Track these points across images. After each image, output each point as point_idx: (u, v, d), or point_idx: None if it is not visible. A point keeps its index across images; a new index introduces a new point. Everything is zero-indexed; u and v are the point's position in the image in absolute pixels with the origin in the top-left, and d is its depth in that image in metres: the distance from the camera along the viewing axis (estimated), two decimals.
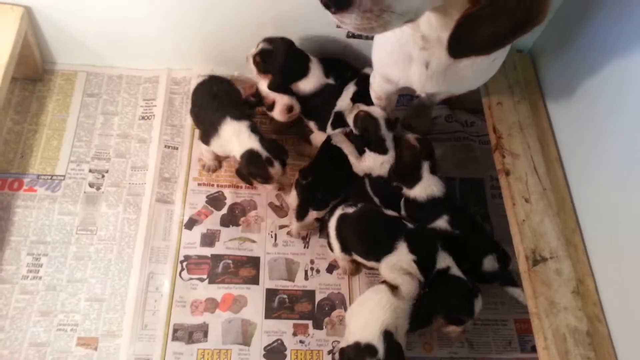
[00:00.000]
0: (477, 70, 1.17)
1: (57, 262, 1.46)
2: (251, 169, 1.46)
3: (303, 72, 1.59)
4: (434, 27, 0.98)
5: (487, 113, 1.56)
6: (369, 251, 1.40)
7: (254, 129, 1.49)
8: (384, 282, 1.35)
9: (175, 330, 1.40)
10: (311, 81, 1.60)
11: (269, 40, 1.56)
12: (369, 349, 1.25)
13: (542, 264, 1.32)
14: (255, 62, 1.56)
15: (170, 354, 1.37)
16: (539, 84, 1.61)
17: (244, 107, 1.65)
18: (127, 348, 1.36)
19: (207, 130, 1.54)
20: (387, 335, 1.26)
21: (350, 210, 1.43)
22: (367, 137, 1.46)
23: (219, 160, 1.66)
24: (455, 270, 1.35)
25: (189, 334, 1.40)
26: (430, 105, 1.71)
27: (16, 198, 1.53)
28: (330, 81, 1.62)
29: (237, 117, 1.50)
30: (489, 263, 1.44)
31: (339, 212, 1.45)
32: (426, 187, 1.44)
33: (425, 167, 1.45)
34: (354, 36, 1.64)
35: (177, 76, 1.79)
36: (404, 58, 1.17)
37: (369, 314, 1.29)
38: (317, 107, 1.63)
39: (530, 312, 1.29)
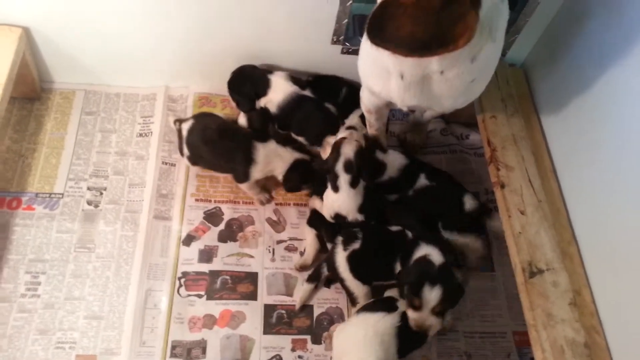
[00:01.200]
0: (453, 87, 1.14)
1: (55, 280, 1.46)
2: (305, 176, 1.56)
3: (263, 88, 1.62)
4: None
5: (481, 126, 1.58)
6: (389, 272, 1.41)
7: (281, 142, 1.60)
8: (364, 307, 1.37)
9: (173, 347, 1.40)
10: (277, 93, 1.61)
11: (234, 71, 1.65)
12: None
13: (539, 276, 1.32)
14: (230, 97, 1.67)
15: None
16: (532, 97, 1.63)
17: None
18: None
19: (237, 167, 1.57)
20: None
21: (356, 245, 1.41)
22: (326, 164, 1.49)
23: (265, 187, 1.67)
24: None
25: (188, 351, 1.40)
26: (424, 122, 1.73)
27: (15, 216, 1.53)
28: (307, 93, 1.63)
29: (263, 139, 1.58)
30: (469, 201, 1.55)
31: (343, 253, 1.42)
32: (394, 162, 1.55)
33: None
34: (348, 52, 1.66)
35: (174, 94, 1.81)
36: (383, 69, 1.17)
37: (357, 353, 1.28)
38: (299, 120, 1.63)
39: (527, 324, 1.29)
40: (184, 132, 1.60)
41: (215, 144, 1.57)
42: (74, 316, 1.42)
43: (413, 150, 1.77)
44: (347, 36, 1.61)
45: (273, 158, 1.56)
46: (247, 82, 1.63)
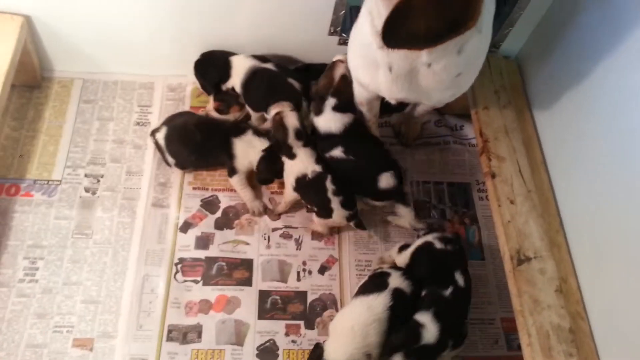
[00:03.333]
0: (439, 80, 1.16)
1: (54, 266, 1.48)
2: (276, 166, 1.56)
3: (226, 72, 1.64)
4: (383, 17, 0.97)
5: (473, 118, 1.60)
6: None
7: (258, 133, 1.61)
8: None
9: (170, 331, 1.43)
10: (238, 73, 1.62)
11: (200, 56, 1.67)
12: None
13: (527, 264, 1.36)
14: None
15: (165, 354, 1.40)
16: (525, 90, 1.66)
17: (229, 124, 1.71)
18: (122, 348, 1.39)
19: (224, 162, 1.61)
20: None
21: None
22: (278, 142, 1.52)
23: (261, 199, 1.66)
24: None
25: (184, 335, 1.43)
26: (417, 117, 1.75)
27: (13, 203, 1.56)
28: (268, 66, 1.63)
29: (237, 132, 1.60)
30: (385, 180, 1.52)
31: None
32: (327, 121, 1.54)
33: (329, 102, 1.52)
34: (345, 43, 1.68)
35: (172, 82, 1.83)
36: (372, 62, 1.18)
37: (345, 334, 1.30)
38: (251, 89, 1.62)
39: (515, 310, 1.33)
40: (161, 142, 1.60)
41: (197, 144, 1.59)
42: (72, 301, 1.44)
43: (407, 141, 1.80)
44: (344, 27, 1.63)
45: (249, 150, 1.58)
46: (211, 66, 1.65)
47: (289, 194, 1.56)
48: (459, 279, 1.37)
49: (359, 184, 1.54)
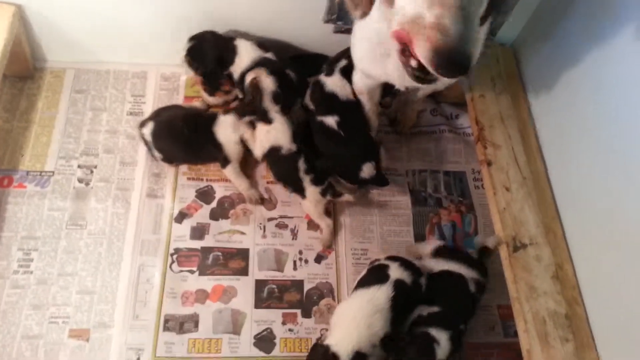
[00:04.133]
0: None
1: (48, 257, 1.47)
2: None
3: (231, 56, 1.61)
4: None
5: (469, 105, 1.60)
6: None
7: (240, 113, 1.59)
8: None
9: (166, 321, 1.43)
10: (243, 60, 1.60)
11: (192, 37, 1.61)
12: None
13: (522, 250, 1.36)
14: (188, 63, 1.61)
15: (161, 344, 1.40)
16: (520, 77, 1.65)
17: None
18: (119, 339, 1.39)
19: (216, 155, 1.59)
20: (358, 357, 1.27)
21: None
22: (253, 105, 1.53)
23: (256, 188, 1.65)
24: None
25: (180, 324, 1.43)
26: (415, 100, 1.75)
27: (6, 195, 1.54)
28: (269, 56, 1.62)
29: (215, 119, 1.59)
30: (367, 170, 1.53)
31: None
32: (334, 84, 1.56)
33: (340, 64, 1.56)
34: (341, 32, 1.67)
35: (166, 72, 1.81)
36: (382, 54, 1.19)
37: (348, 324, 1.30)
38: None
39: (511, 297, 1.34)
40: (148, 138, 1.59)
41: (186, 139, 1.57)
42: (67, 291, 1.44)
43: (403, 129, 1.79)
44: (340, 15, 1.62)
45: (227, 131, 1.56)
46: (213, 49, 1.60)
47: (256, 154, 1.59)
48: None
49: (342, 168, 1.57)
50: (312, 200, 1.54)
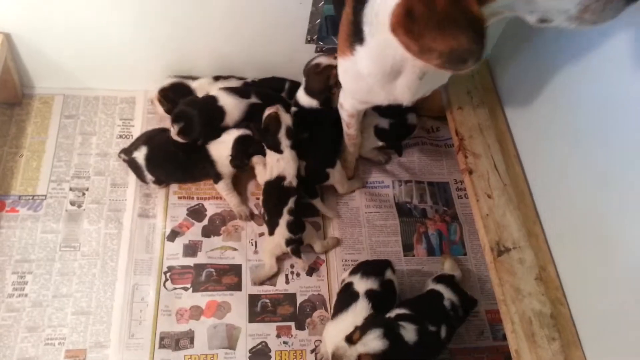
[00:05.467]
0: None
1: (42, 279, 1.49)
2: (249, 149, 1.61)
3: (220, 117, 1.63)
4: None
5: (449, 117, 1.67)
6: None
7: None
8: None
9: (162, 338, 1.44)
10: (232, 115, 1.64)
11: (178, 117, 1.58)
12: None
13: (506, 254, 1.41)
14: (183, 139, 1.60)
15: None
16: (496, 89, 1.72)
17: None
18: (115, 358, 1.40)
19: (208, 171, 1.63)
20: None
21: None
22: (267, 135, 1.59)
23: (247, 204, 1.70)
24: None
25: (176, 341, 1.44)
26: None
27: None
28: (254, 100, 1.67)
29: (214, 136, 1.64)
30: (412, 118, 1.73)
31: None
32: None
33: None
34: (322, 51, 1.74)
35: (153, 96, 1.85)
36: (390, 79, 1.21)
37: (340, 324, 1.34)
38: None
39: (497, 299, 1.38)
40: (141, 161, 1.61)
41: (181, 160, 1.62)
42: (63, 313, 1.45)
43: None
44: (321, 35, 1.69)
45: (220, 147, 1.61)
46: (202, 122, 1.59)
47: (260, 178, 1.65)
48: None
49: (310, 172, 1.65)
50: (275, 241, 1.56)
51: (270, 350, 1.47)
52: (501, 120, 1.64)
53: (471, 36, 0.87)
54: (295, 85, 1.75)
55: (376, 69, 1.20)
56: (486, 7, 0.91)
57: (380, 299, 1.39)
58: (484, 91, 1.70)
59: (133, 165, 1.64)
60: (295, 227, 1.55)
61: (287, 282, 1.58)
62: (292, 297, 1.56)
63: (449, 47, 0.88)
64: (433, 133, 1.93)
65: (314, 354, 1.48)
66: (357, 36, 1.16)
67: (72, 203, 1.62)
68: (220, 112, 1.63)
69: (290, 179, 1.58)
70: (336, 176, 1.68)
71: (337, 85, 1.50)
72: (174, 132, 1.58)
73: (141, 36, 1.65)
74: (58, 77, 1.78)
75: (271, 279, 1.58)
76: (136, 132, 1.78)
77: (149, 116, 1.82)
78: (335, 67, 1.48)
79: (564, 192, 1.39)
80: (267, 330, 1.50)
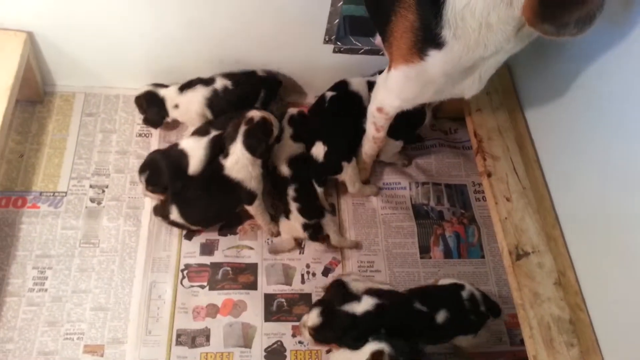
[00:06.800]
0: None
1: (62, 275, 1.51)
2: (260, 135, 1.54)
3: (185, 162, 1.57)
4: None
5: (467, 119, 1.65)
6: None
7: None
8: None
9: (178, 335, 1.46)
10: (195, 157, 1.58)
11: (142, 168, 1.58)
12: None
13: (525, 258, 1.40)
14: (151, 192, 1.59)
15: (174, 358, 1.42)
16: (516, 91, 1.71)
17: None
18: (132, 354, 1.42)
19: (240, 194, 1.56)
20: None
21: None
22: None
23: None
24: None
25: (192, 339, 1.45)
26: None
27: (20, 215, 1.58)
28: (214, 133, 1.60)
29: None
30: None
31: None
32: None
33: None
34: (340, 51, 1.73)
35: None
36: (465, 76, 1.26)
37: None
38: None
39: (515, 303, 1.36)
40: (179, 220, 1.55)
41: (208, 197, 1.55)
42: (81, 308, 1.47)
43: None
44: (339, 36, 1.69)
45: (239, 159, 1.52)
46: (166, 170, 1.56)
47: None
48: None
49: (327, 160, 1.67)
50: (290, 224, 1.59)
51: (285, 350, 1.47)
52: (521, 123, 1.62)
53: None
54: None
55: (454, 69, 1.22)
56: None
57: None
58: (504, 93, 1.68)
59: (175, 225, 1.59)
60: (308, 213, 1.56)
61: (302, 282, 1.58)
62: (307, 297, 1.56)
63: (583, 13, 0.98)
64: (451, 135, 1.91)
65: (329, 354, 1.47)
66: (431, 42, 1.17)
67: (92, 200, 1.64)
68: (184, 157, 1.57)
69: (282, 167, 1.60)
70: (349, 172, 1.66)
71: None
72: (142, 187, 1.58)
73: (161, 35, 1.67)
74: (79, 76, 1.81)
75: (289, 251, 1.63)
76: (155, 131, 1.79)
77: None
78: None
79: (584, 196, 1.37)
80: (282, 330, 1.50)
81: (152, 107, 1.72)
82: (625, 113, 1.22)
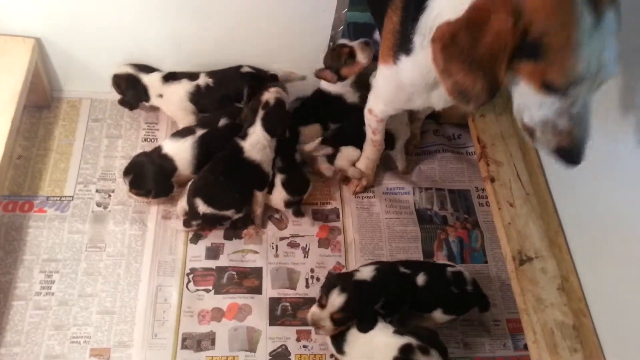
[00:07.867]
0: None
1: (69, 278, 1.52)
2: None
3: (171, 167, 1.62)
4: None
5: (471, 125, 1.67)
6: None
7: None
8: None
9: (184, 339, 1.46)
10: (184, 165, 1.63)
11: (126, 171, 1.61)
12: None
13: (528, 264, 1.41)
14: (136, 195, 1.63)
15: None
16: None
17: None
18: (138, 357, 1.42)
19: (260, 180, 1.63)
20: None
21: None
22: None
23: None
24: None
25: (197, 342, 1.46)
26: (420, 118, 1.82)
27: (27, 219, 1.60)
28: (200, 132, 1.64)
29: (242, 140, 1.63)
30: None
31: None
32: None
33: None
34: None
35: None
36: (431, 89, 1.24)
37: None
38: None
39: (519, 308, 1.38)
40: (205, 209, 1.55)
41: (228, 182, 1.58)
42: (88, 312, 1.48)
43: (409, 149, 1.85)
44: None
45: (258, 144, 1.59)
46: (151, 173, 1.60)
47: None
48: None
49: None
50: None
51: (290, 354, 1.48)
52: None
53: (486, 88, 0.97)
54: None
55: (420, 79, 1.21)
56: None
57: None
58: (507, 100, 1.68)
59: (206, 219, 1.60)
60: (290, 188, 1.63)
61: (307, 286, 1.59)
62: (312, 301, 1.55)
63: (465, 83, 0.97)
64: (454, 140, 1.92)
65: (333, 359, 1.48)
66: (403, 46, 1.17)
67: (98, 204, 1.66)
68: (170, 161, 1.61)
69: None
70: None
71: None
72: (126, 189, 1.61)
73: (167, 43, 1.69)
74: (86, 81, 1.83)
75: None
76: (161, 136, 1.81)
77: (173, 121, 1.84)
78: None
79: (587, 201, 1.38)
80: (287, 334, 1.51)
81: (131, 90, 1.73)
82: (628, 117, 1.23)
